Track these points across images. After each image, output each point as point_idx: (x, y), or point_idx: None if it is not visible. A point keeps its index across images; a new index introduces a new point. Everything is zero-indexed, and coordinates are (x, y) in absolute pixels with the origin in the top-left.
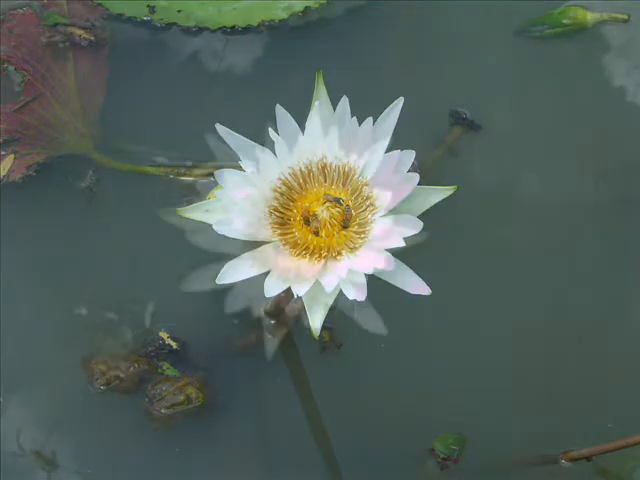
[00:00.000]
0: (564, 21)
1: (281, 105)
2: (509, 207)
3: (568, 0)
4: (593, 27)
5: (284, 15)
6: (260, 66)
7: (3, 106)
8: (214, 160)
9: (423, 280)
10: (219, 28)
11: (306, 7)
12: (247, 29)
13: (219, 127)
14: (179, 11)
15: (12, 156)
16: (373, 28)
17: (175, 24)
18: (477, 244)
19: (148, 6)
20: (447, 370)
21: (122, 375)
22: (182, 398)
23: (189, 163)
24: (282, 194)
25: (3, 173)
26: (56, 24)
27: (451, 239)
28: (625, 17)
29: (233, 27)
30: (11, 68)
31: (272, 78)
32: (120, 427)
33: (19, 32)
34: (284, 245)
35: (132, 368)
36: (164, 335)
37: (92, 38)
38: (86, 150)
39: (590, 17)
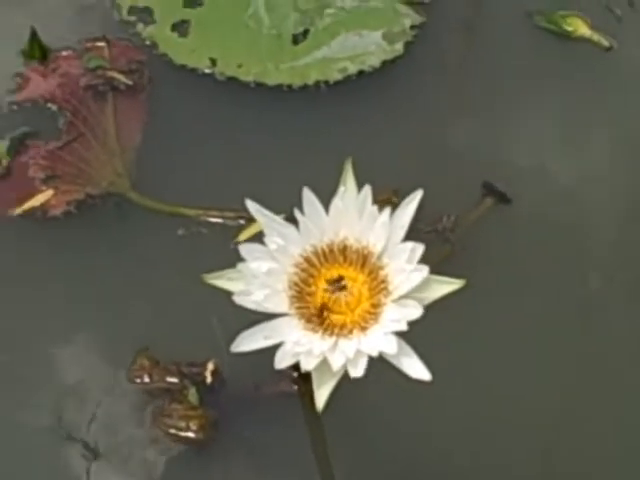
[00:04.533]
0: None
1: None
2: None
3: None
4: None
5: (339, 77)
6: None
7: (47, 144)
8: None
9: None
10: (276, 85)
11: (360, 71)
12: (303, 88)
13: (250, 203)
14: (240, 66)
15: (50, 191)
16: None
17: (235, 79)
18: None
19: (210, 58)
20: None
21: (155, 377)
22: (183, 425)
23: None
24: (303, 270)
25: (36, 205)
26: (97, 67)
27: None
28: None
29: (290, 86)
30: (54, 108)
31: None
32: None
33: (62, 73)
34: (299, 319)
35: (166, 377)
36: (210, 365)
37: (130, 82)
38: (123, 190)
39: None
